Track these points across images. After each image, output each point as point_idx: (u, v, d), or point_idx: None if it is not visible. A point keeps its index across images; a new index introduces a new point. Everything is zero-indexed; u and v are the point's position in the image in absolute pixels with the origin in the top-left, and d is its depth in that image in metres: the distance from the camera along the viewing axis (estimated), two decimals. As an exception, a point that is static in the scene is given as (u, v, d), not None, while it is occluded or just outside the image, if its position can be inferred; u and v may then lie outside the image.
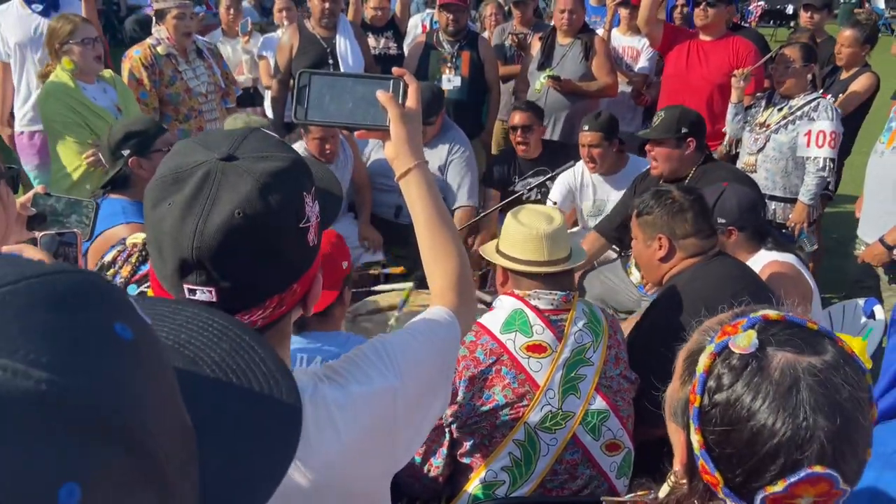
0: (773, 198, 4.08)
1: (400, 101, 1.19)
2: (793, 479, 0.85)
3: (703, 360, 0.92)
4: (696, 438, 0.91)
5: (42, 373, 0.38)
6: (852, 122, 4.55)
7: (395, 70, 1.23)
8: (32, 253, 1.04)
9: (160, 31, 4.13)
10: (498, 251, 2.22)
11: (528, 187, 3.97)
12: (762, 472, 0.87)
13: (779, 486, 0.85)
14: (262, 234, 0.86)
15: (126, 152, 2.67)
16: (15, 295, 0.40)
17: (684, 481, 0.96)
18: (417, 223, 1.23)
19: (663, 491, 1.00)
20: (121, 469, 0.41)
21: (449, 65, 4.85)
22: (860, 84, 4.66)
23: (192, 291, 0.87)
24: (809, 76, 4.14)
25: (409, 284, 3.04)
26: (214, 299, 0.87)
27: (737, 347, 0.90)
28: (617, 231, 3.51)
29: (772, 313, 0.94)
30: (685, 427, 0.94)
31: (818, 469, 0.84)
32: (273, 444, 0.56)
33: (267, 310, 0.91)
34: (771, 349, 0.90)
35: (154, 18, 4.25)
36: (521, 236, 2.14)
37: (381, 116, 1.19)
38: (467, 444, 2.04)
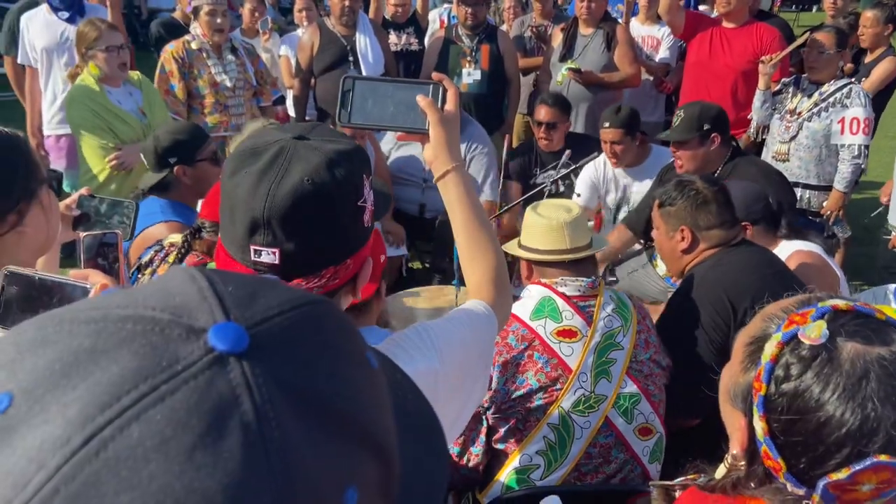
0: (807, 186, 4.04)
1: (439, 106, 1.24)
2: (858, 467, 0.86)
3: (770, 349, 0.92)
4: (760, 425, 0.92)
5: (326, 383, 0.44)
6: (875, 107, 4.49)
7: (434, 75, 1.28)
8: (99, 278, 1.07)
9: (196, 28, 4.26)
10: (520, 246, 2.24)
11: (551, 179, 3.95)
12: (827, 460, 0.88)
13: (843, 474, 0.86)
14: (326, 203, 0.94)
15: (173, 160, 2.72)
16: (303, 317, 0.46)
17: (742, 464, 0.97)
18: (455, 223, 1.28)
19: (719, 472, 1.00)
20: (377, 479, 0.46)
21: (468, 59, 4.85)
22: (882, 69, 4.60)
23: (258, 252, 0.95)
24: (840, 62, 4.07)
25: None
26: (277, 261, 0.95)
27: (807, 338, 0.90)
28: (645, 224, 3.48)
29: (841, 303, 0.94)
30: (747, 413, 0.95)
31: (884, 458, 0.85)
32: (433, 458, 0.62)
33: (322, 279, 0.98)
34: (840, 340, 0.90)
35: (192, 15, 4.38)
36: (542, 228, 2.18)
37: (421, 120, 1.24)
38: (502, 430, 2.06)
